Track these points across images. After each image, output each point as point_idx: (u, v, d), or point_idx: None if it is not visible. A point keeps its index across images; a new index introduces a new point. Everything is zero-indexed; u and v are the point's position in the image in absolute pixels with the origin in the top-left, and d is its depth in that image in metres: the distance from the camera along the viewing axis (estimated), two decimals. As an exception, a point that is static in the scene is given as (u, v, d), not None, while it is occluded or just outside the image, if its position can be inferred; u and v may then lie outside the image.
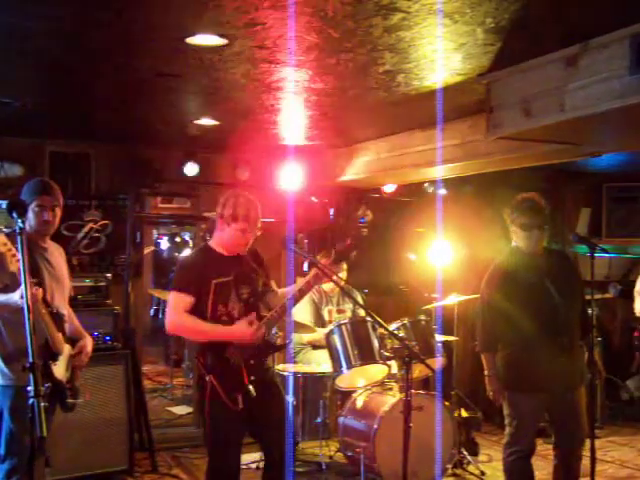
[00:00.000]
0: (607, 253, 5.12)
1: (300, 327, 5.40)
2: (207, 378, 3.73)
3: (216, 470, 3.83)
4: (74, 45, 3.87)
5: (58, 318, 3.78)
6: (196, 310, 3.77)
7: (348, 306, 6.04)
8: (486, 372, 4.36)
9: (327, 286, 5.89)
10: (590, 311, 4.58)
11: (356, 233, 7.14)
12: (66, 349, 3.84)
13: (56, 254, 4.01)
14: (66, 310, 3.97)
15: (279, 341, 4.06)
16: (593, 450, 4.10)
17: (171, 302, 3.80)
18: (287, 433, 3.86)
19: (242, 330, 3.74)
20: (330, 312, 5.98)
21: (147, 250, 8.51)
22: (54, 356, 3.72)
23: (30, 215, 3.75)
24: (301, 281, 3.93)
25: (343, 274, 5.80)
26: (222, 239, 3.91)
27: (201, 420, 3.86)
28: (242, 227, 3.82)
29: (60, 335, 3.77)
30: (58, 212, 3.90)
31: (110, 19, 3.42)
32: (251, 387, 3.74)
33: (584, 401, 4.28)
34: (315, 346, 5.82)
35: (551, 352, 4.14)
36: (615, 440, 6.71)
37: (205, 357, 3.79)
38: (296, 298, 3.88)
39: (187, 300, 3.76)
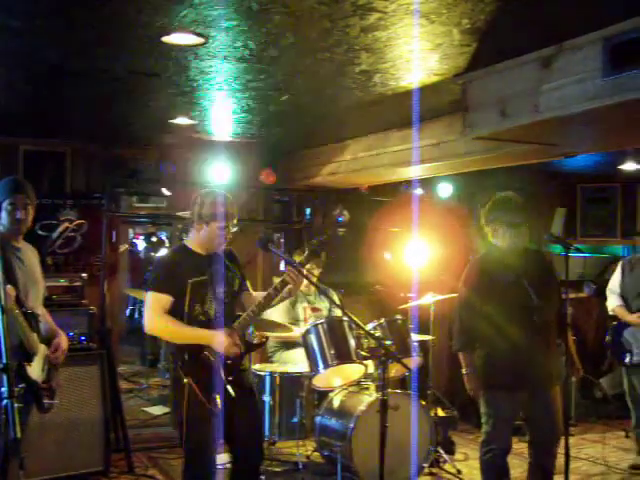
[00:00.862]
0: (582, 253, 5.16)
1: (277, 326, 5.39)
2: (185, 380, 3.71)
3: (193, 471, 3.81)
4: (50, 43, 3.84)
5: (33, 318, 3.74)
6: (173, 309, 3.74)
7: (324, 305, 6.03)
8: (464, 370, 4.38)
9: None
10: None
11: (333, 233, 7.14)
12: (41, 349, 3.81)
13: (30, 254, 3.97)
14: (41, 310, 3.93)
15: (256, 340, 4.03)
16: (567, 447, 4.13)
17: (148, 302, 3.77)
18: (260, 436, 3.86)
19: (219, 340, 3.71)
20: (305, 309, 5.96)
21: (122, 248, 8.44)
22: (29, 357, 3.68)
23: (3, 214, 3.72)
24: (276, 281, 3.92)
25: (315, 271, 5.78)
26: (200, 238, 3.88)
27: (177, 422, 3.82)
28: (221, 226, 3.82)
29: (35, 335, 3.73)
30: (31, 211, 3.85)
31: (87, 17, 3.39)
32: (230, 387, 3.72)
33: (560, 399, 4.30)
34: (288, 345, 5.80)
35: (528, 351, 4.16)
36: (588, 437, 6.76)
37: (182, 357, 3.76)
38: (272, 300, 3.87)
39: (164, 300, 3.73)
